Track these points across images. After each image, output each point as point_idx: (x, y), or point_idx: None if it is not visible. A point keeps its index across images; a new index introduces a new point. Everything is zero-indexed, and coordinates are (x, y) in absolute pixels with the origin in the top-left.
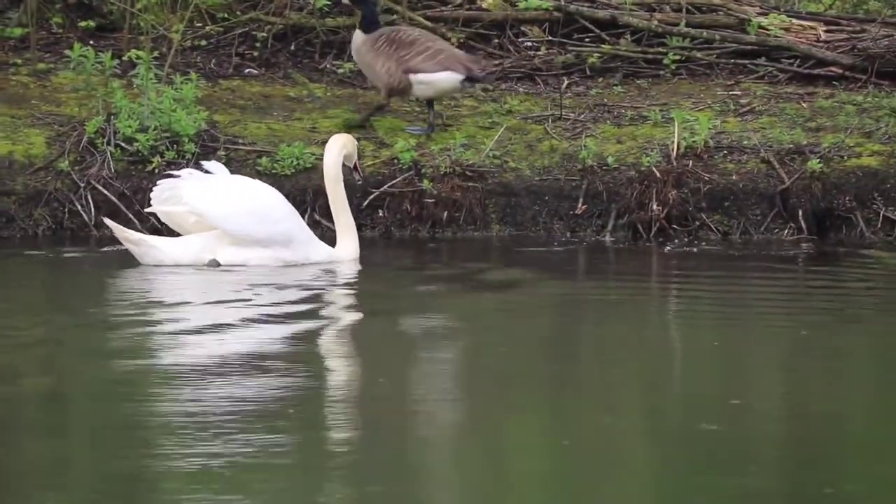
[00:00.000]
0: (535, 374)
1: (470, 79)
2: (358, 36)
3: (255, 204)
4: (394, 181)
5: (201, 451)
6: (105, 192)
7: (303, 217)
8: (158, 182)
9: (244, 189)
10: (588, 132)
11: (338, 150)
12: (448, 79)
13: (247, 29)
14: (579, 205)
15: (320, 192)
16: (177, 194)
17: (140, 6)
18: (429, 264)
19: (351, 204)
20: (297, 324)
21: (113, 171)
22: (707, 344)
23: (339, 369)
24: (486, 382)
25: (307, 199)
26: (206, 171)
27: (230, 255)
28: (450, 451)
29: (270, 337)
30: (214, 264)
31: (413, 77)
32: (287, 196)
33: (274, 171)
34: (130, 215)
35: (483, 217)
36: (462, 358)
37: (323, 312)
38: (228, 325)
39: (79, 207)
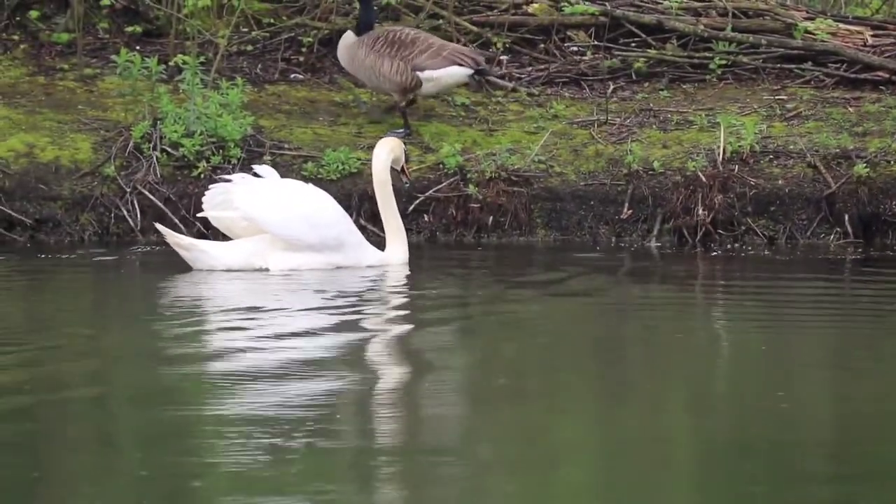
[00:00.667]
0: (585, 379)
1: (479, 72)
2: (349, 37)
3: (307, 208)
4: (439, 186)
5: (251, 456)
6: (151, 197)
7: None
8: (210, 186)
9: (295, 193)
10: (634, 137)
11: (386, 153)
12: (456, 73)
13: (292, 34)
14: (625, 209)
15: (365, 197)
16: (228, 199)
17: (186, 11)
18: (476, 269)
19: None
20: (350, 328)
21: (159, 176)
22: (755, 348)
23: (393, 372)
24: (537, 386)
25: (352, 203)
26: (258, 175)
27: (281, 259)
28: (501, 456)
29: (323, 341)
30: (265, 270)
31: (421, 74)
32: None
33: (319, 176)
34: (176, 220)
35: (528, 222)
36: (511, 362)
37: (375, 316)
38: (280, 330)
39: (125, 212)
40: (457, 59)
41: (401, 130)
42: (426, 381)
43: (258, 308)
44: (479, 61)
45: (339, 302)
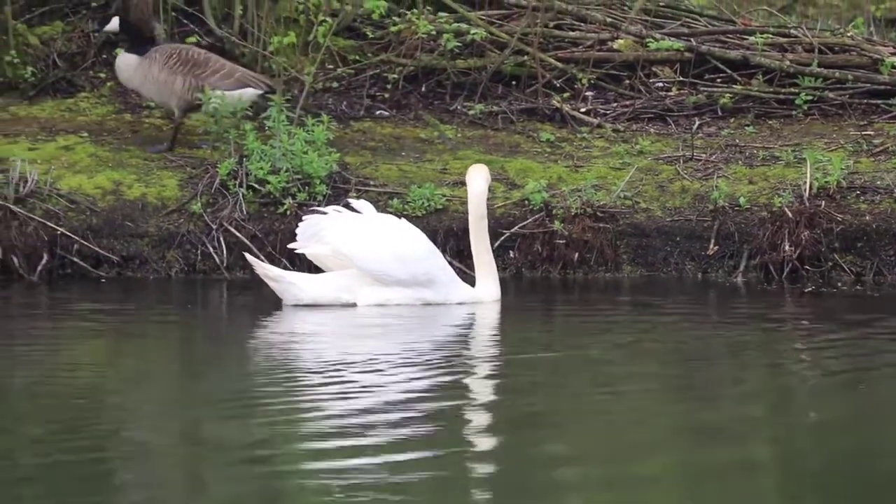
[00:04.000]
0: (673, 416)
1: (268, 92)
2: (129, 58)
3: (398, 244)
4: (525, 222)
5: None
6: (237, 233)
7: None
8: (304, 218)
9: (386, 228)
10: (720, 173)
11: (484, 181)
12: (248, 94)
13: (378, 71)
14: (711, 245)
15: (451, 234)
16: (320, 232)
17: (272, 48)
18: (563, 305)
19: None
20: (441, 365)
21: (245, 212)
22: (849, 388)
23: (483, 410)
24: (626, 425)
25: (438, 240)
26: (353, 210)
27: (370, 294)
28: (588, 494)
29: (413, 379)
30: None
31: (212, 94)
32: None
33: (405, 213)
34: (262, 257)
35: (614, 258)
36: (600, 400)
37: (465, 354)
38: (369, 366)
39: (211, 249)
40: (249, 81)
41: (163, 145)
42: (522, 418)
43: (344, 342)
44: (269, 84)
45: (428, 338)
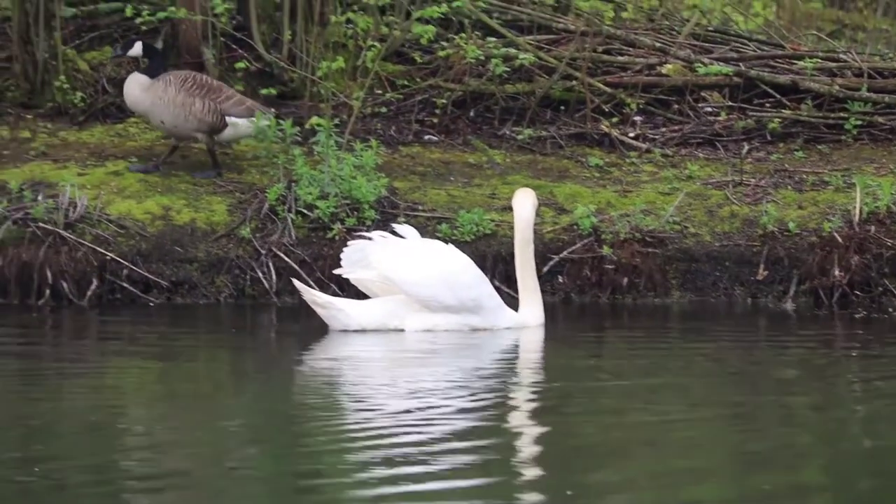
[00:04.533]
0: (725, 444)
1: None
2: (140, 78)
3: (445, 270)
4: (574, 247)
5: None
6: (286, 258)
7: None
8: (349, 243)
9: (433, 255)
10: (769, 197)
11: (531, 205)
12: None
13: (426, 96)
14: (760, 270)
15: (499, 258)
16: (366, 258)
17: (320, 74)
18: (611, 330)
19: None
20: (488, 392)
21: (294, 237)
22: None
23: (530, 436)
24: (676, 452)
25: (486, 264)
26: (398, 235)
27: (417, 320)
28: None
29: (461, 406)
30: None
31: (228, 119)
32: None
33: (454, 238)
34: (311, 282)
35: (663, 283)
36: (650, 427)
37: (513, 380)
38: (416, 392)
39: (260, 274)
40: (258, 110)
41: (212, 172)
42: (568, 444)
43: (392, 368)
44: (276, 114)
45: (476, 363)
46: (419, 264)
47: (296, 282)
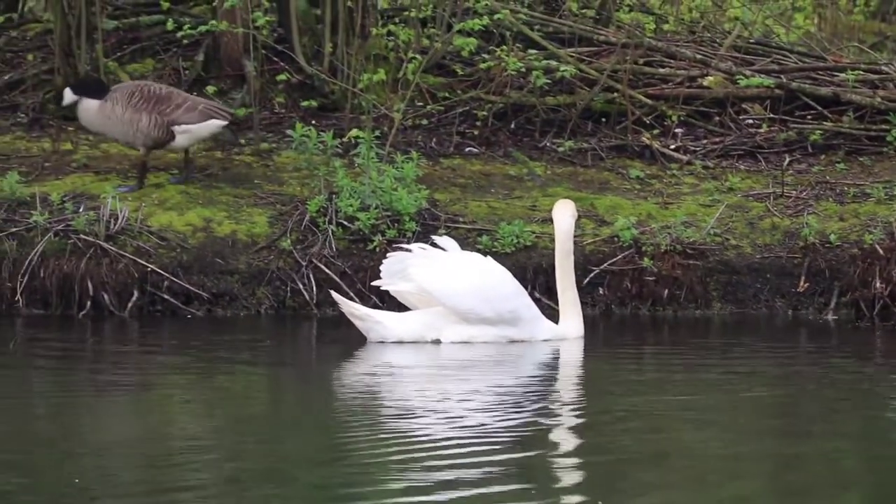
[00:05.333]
0: (768, 458)
1: (232, 123)
2: (89, 104)
3: (483, 282)
4: (614, 259)
5: None
6: (327, 270)
7: None
8: (388, 255)
9: (471, 267)
10: (810, 209)
11: (571, 217)
12: (213, 125)
13: (467, 108)
14: (801, 282)
15: (540, 270)
16: (405, 270)
17: (361, 86)
18: (651, 343)
19: None
20: (527, 404)
21: (334, 249)
22: None
23: (567, 448)
24: (717, 466)
25: (527, 276)
26: (438, 247)
27: (455, 332)
28: None
29: (499, 420)
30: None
31: (177, 129)
32: None
33: (494, 249)
34: (352, 294)
35: (704, 295)
36: (689, 441)
37: (552, 393)
38: (453, 405)
39: (300, 286)
40: (212, 112)
41: (130, 186)
42: (604, 458)
43: (430, 380)
44: (232, 114)
45: (514, 376)
46: (457, 276)
47: (334, 293)
